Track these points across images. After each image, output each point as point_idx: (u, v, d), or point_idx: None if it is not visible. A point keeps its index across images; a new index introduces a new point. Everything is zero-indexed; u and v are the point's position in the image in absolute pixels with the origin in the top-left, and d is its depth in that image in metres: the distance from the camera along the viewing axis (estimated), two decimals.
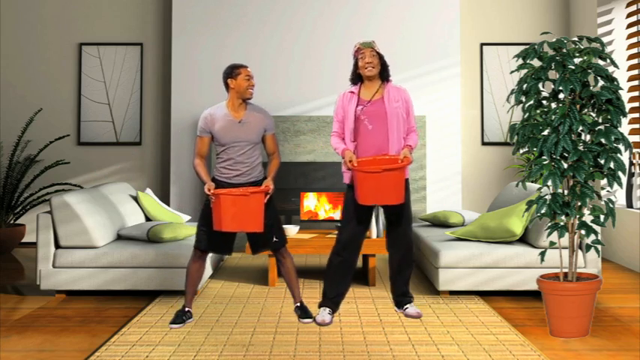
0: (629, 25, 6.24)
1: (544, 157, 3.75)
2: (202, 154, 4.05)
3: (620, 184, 3.66)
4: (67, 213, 4.64)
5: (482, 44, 7.38)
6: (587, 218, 4.42)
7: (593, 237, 4.54)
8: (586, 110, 3.78)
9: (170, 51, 7.40)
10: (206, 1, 7.07)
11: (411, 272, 4.26)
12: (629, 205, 6.12)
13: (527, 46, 4.08)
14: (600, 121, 3.73)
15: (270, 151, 4.12)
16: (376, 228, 5.26)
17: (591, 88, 3.77)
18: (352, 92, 4.11)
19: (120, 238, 5.03)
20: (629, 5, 6.25)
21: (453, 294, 4.73)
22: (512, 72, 4.14)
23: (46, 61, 7.42)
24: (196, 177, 6.96)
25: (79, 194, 4.80)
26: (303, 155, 6.92)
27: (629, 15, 6.23)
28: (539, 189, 3.88)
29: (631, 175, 6.11)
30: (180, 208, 6.97)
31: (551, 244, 3.86)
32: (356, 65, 4.10)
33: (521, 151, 7.29)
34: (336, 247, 4.10)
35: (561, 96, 4.50)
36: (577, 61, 3.85)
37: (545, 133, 3.78)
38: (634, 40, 6.29)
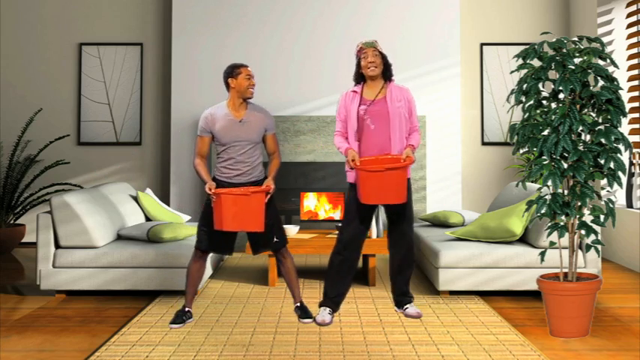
0: (629, 25, 6.24)
1: (544, 157, 3.75)
2: (203, 153, 4.05)
3: (620, 184, 3.66)
4: (67, 213, 4.64)
5: (482, 44, 7.38)
6: (587, 218, 4.42)
7: (593, 237, 4.54)
8: (586, 110, 3.78)
9: (170, 51, 7.40)
10: (206, 1, 7.07)
11: (412, 272, 4.26)
12: (629, 205, 6.12)
13: (527, 46, 4.08)
14: (600, 121, 3.73)
15: (271, 151, 4.12)
16: (376, 228, 5.26)
17: (591, 88, 3.77)
18: (355, 92, 4.11)
19: (120, 238, 5.03)
20: (629, 5, 6.25)
21: (453, 294, 4.73)
22: (512, 72, 4.14)
23: (46, 61, 7.42)
24: (196, 177, 6.97)
25: (79, 194, 4.80)
26: (303, 155, 6.92)
27: (629, 15, 6.23)
28: (539, 189, 3.88)
29: (631, 175, 6.11)
30: (180, 208, 6.97)
31: (551, 244, 3.86)
32: (359, 65, 4.10)
33: (521, 151, 7.29)
34: (338, 247, 4.10)
35: (561, 96, 4.50)
36: (577, 61, 3.85)
37: (545, 133, 3.78)
38: (634, 40, 6.29)
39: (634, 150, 6.01)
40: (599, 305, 4.46)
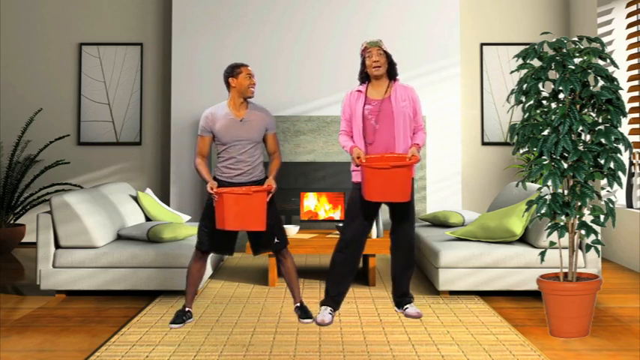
0: (629, 25, 6.24)
1: (544, 157, 3.75)
2: (203, 153, 4.05)
3: (620, 184, 3.66)
4: (67, 213, 4.64)
5: (482, 44, 7.38)
6: (587, 218, 4.42)
7: (593, 237, 4.54)
8: (586, 110, 3.78)
9: (170, 51, 7.40)
10: (206, 1, 7.07)
11: (412, 273, 4.26)
12: (629, 205, 6.12)
13: (527, 46, 4.08)
14: (600, 121, 3.73)
15: (271, 151, 4.12)
16: (376, 228, 5.26)
17: (591, 88, 3.77)
18: (359, 91, 4.12)
19: (120, 238, 5.03)
20: (629, 5, 6.25)
21: (453, 294, 4.73)
22: (512, 72, 4.14)
23: (46, 61, 7.42)
24: (196, 177, 6.97)
25: (79, 194, 4.80)
26: (303, 155, 6.92)
27: (629, 15, 6.23)
28: (539, 189, 3.88)
29: (631, 175, 6.11)
30: (180, 208, 6.97)
31: (551, 244, 3.86)
32: (363, 64, 4.10)
33: (521, 151, 7.29)
34: (340, 245, 4.10)
35: (561, 96, 4.50)
36: (577, 61, 3.85)
37: (545, 133, 3.78)
38: (634, 40, 6.29)
39: (634, 150, 6.01)
40: (599, 305, 4.46)
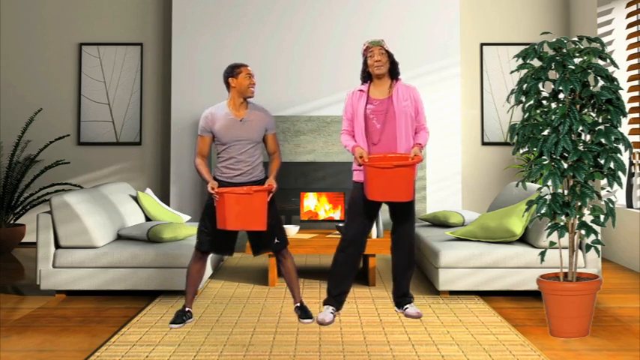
0: (629, 25, 6.24)
1: (544, 157, 3.75)
2: (203, 153, 4.05)
3: (620, 184, 3.66)
4: (67, 213, 4.64)
5: (482, 44, 7.38)
6: (587, 218, 4.42)
7: (593, 237, 4.54)
8: (586, 110, 3.78)
9: (170, 51, 7.40)
10: (206, 1, 7.07)
11: (412, 273, 4.26)
12: (629, 205, 6.12)
13: (527, 46, 4.08)
14: (600, 121, 3.73)
15: (271, 151, 4.12)
16: (376, 228, 5.26)
17: (591, 88, 3.77)
18: (361, 90, 4.12)
19: (120, 238, 5.03)
20: (629, 5, 6.25)
21: (453, 294, 4.73)
22: (512, 72, 4.14)
23: (46, 61, 7.42)
24: (196, 177, 6.97)
25: (79, 194, 4.80)
26: (303, 155, 6.92)
27: (629, 15, 6.23)
28: (539, 189, 3.88)
29: (631, 175, 6.11)
30: (180, 208, 6.97)
31: (551, 244, 3.86)
32: (365, 64, 4.11)
33: (521, 151, 7.29)
34: (342, 245, 4.10)
35: (561, 96, 4.50)
36: (577, 61, 3.85)
37: (545, 133, 3.78)
38: (634, 40, 6.29)
39: (634, 150, 6.01)
40: (599, 305, 4.46)
